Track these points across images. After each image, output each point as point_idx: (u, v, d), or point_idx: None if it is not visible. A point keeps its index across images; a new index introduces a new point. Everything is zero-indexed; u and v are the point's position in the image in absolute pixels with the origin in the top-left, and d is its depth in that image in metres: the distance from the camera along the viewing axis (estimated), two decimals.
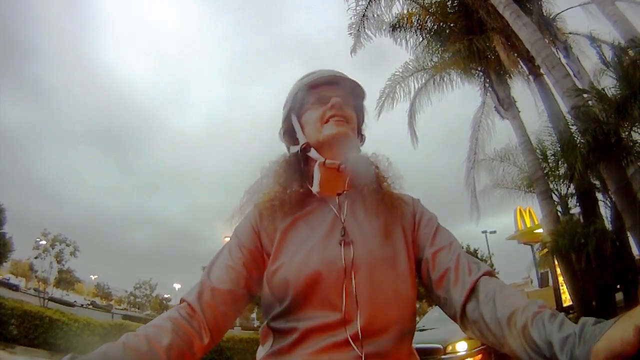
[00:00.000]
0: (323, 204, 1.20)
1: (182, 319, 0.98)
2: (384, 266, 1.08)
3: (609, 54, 9.15)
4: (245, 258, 1.12)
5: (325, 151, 1.22)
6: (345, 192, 1.23)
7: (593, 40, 11.88)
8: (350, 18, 14.81)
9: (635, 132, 8.04)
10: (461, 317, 1.02)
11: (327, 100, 1.23)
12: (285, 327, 1.04)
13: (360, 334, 0.98)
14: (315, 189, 1.19)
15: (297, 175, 1.25)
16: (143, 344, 0.88)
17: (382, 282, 1.05)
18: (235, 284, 1.08)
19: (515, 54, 12.70)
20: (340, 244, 1.09)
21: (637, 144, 8.17)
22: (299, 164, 1.28)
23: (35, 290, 40.89)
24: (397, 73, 15.85)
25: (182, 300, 1.06)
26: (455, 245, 1.14)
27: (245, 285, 1.09)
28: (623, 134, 7.90)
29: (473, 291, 1.01)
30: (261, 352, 1.12)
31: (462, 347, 7.14)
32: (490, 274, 1.04)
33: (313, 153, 1.23)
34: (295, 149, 1.28)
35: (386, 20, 14.91)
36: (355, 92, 1.32)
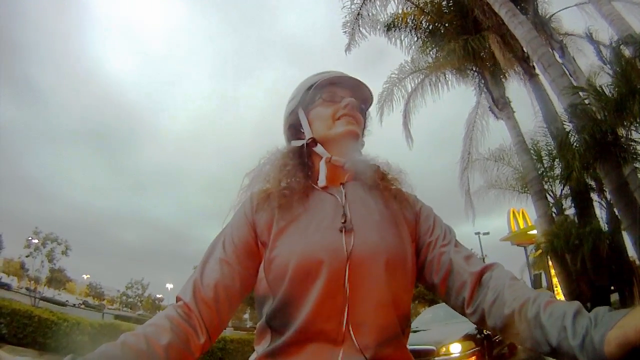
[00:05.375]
0: (324, 193, 1.19)
1: (179, 317, 0.98)
2: (385, 257, 1.03)
3: (605, 53, 9.15)
4: (239, 251, 1.09)
5: (331, 148, 1.23)
6: (347, 183, 1.22)
7: (591, 37, 11.88)
8: (345, 16, 14.76)
9: (633, 130, 8.00)
10: (467, 311, 1.02)
11: (339, 99, 1.25)
12: (281, 324, 1.01)
13: (352, 330, 0.96)
14: (322, 182, 1.18)
15: (301, 167, 1.24)
16: (142, 343, 0.88)
17: (382, 276, 1.01)
18: (229, 279, 1.06)
19: (511, 54, 12.67)
20: (341, 231, 1.06)
21: (635, 143, 8.13)
22: (303, 157, 1.27)
23: (27, 289, 40.77)
24: (394, 75, 15.86)
25: (178, 299, 1.05)
26: (451, 238, 1.16)
27: (239, 279, 1.07)
28: (620, 133, 7.85)
29: (478, 285, 1.02)
30: (257, 350, 1.07)
31: (455, 348, 7.08)
32: (491, 266, 1.04)
33: (319, 149, 1.24)
34: (301, 142, 1.28)
35: (381, 19, 14.88)
36: (365, 98, 1.33)
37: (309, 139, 1.25)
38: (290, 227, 1.09)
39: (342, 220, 1.08)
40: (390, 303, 1.01)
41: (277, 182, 1.18)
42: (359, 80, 1.30)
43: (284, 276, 1.00)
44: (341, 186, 1.20)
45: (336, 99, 1.26)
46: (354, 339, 0.95)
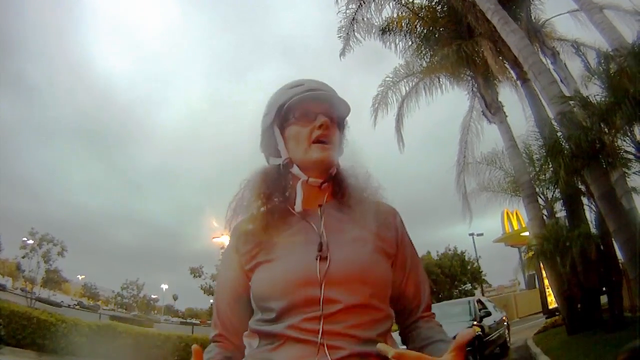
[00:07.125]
0: (302, 218, 1.21)
1: (224, 349, 1.22)
2: (360, 278, 1.09)
3: (593, 64, 9.22)
4: (239, 280, 1.21)
5: (307, 171, 1.22)
6: (324, 204, 1.24)
7: (578, 48, 12.00)
8: (340, 21, 14.87)
9: (619, 138, 8.10)
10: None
11: (314, 117, 1.22)
12: (268, 331, 1.09)
13: (326, 348, 1.00)
14: (298, 208, 1.19)
15: (278, 188, 1.24)
16: None
17: (357, 296, 1.07)
18: (243, 305, 1.21)
19: (503, 59, 12.81)
20: (317, 259, 1.09)
21: (621, 151, 8.29)
22: (279, 177, 1.25)
23: (22, 290, 40.52)
24: (388, 78, 16.00)
25: (213, 334, 1.26)
26: (413, 274, 1.28)
27: (247, 300, 1.20)
28: (607, 141, 7.97)
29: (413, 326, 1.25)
30: (246, 350, 1.17)
31: None
32: (429, 315, 1.26)
33: (296, 170, 1.22)
34: (277, 161, 1.26)
35: (376, 23, 15.01)
36: (341, 110, 1.29)
37: (285, 159, 1.23)
38: (270, 257, 1.15)
39: (318, 249, 1.11)
40: (367, 321, 1.06)
41: (258, 209, 1.21)
42: (334, 93, 1.29)
43: (265, 303, 1.10)
44: (319, 209, 1.22)
45: (310, 115, 1.22)
46: (328, 356, 0.99)
